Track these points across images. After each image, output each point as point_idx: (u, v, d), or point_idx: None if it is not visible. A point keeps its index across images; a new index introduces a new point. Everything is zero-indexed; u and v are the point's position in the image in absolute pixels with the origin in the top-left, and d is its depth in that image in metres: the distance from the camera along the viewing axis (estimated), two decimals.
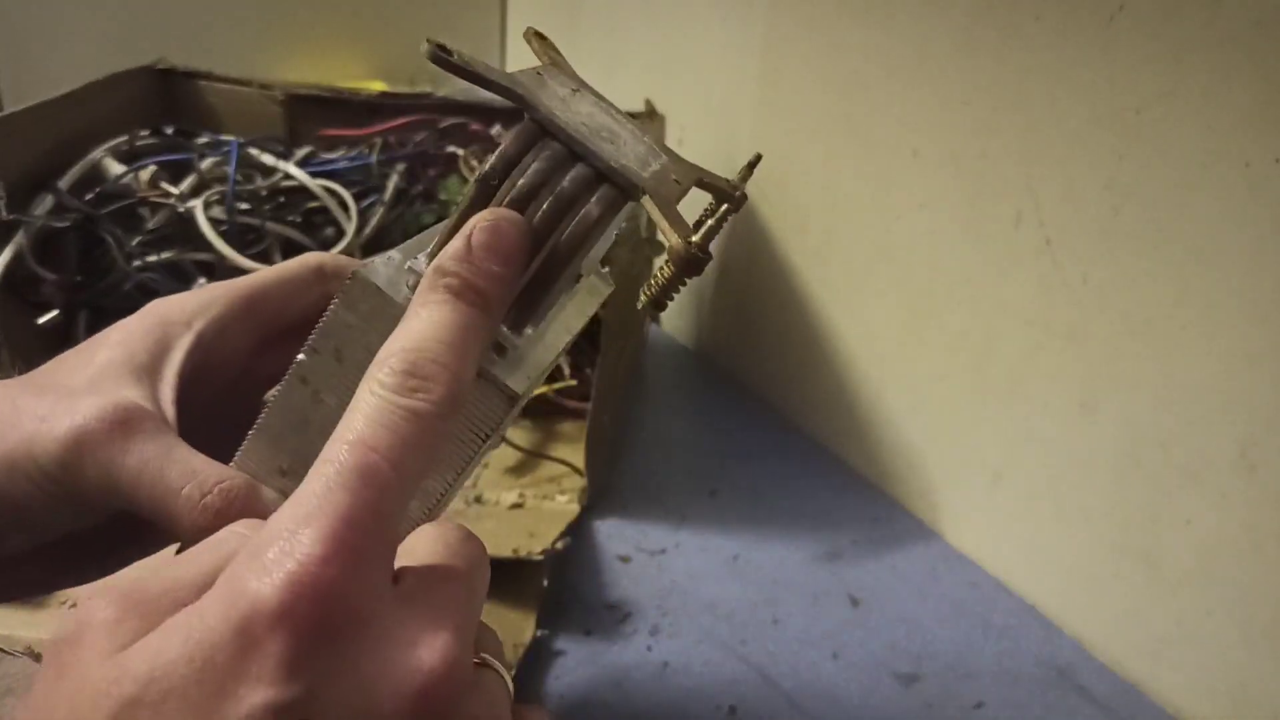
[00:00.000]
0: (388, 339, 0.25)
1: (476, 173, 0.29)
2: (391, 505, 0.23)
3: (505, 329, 0.29)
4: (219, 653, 0.20)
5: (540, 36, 0.33)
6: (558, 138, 0.29)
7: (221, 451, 0.31)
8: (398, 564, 0.25)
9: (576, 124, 0.29)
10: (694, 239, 0.28)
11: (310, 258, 0.36)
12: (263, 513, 0.29)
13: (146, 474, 0.28)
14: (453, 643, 0.23)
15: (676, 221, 0.29)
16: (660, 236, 0.30)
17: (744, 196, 0.34)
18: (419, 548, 0.26)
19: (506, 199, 0.28)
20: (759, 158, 0.35)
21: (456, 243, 0.27)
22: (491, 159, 0.28)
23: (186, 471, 0.29)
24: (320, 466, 0.23)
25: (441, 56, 0.26)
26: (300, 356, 0.29)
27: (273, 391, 0.31)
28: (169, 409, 0.31)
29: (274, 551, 0.21)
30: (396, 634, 0.22)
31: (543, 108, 0.28)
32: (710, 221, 0.29)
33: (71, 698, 0.21)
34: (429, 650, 0.22)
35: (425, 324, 0.25)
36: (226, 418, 0.34)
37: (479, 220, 0.27)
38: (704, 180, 0.34)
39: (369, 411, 0.23)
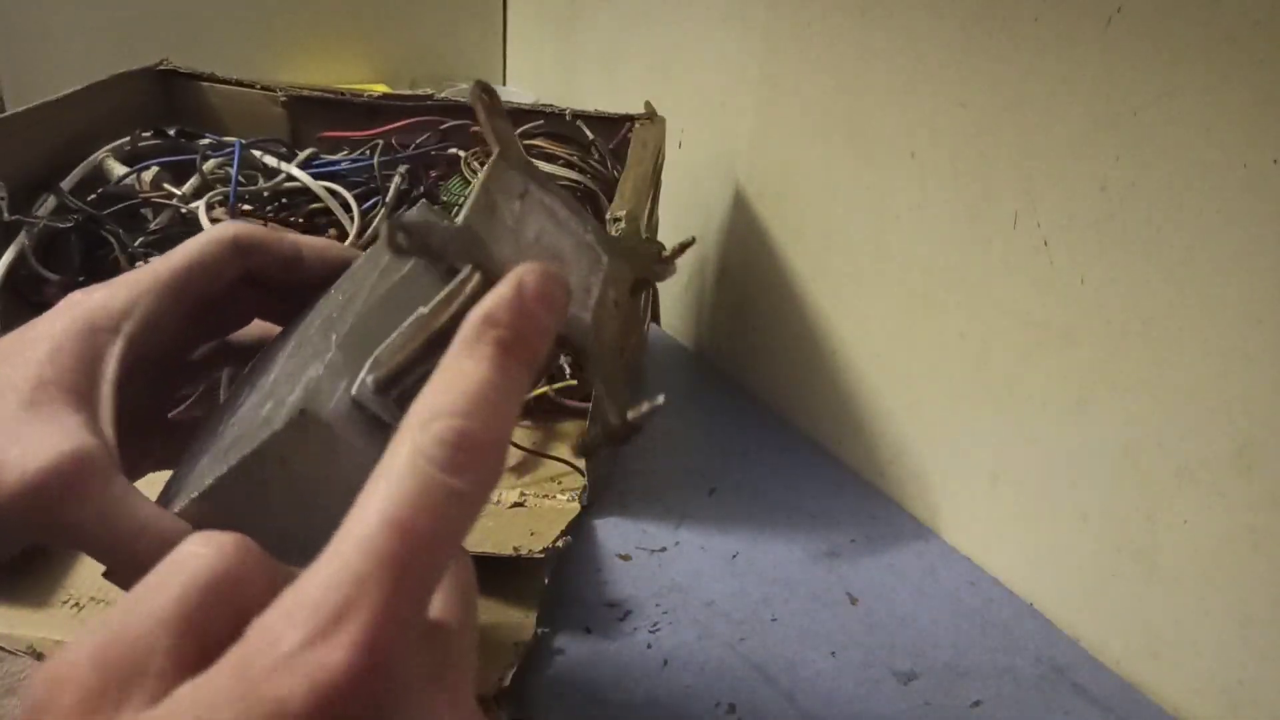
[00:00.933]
0: (429, 387, 0.23)
1: (427, 320, 0.28)
2: (428, 592, 0.21)
3: None
4: None
5: (485, 92, 0.32)
6: None
7: (150, 429, 0.34)
8: None
9: None
10: (629, 418, 0.31)
11: (225, 231, 0.36)
12: None
13: (101, 529, 0.29)
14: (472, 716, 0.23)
15: (616, 396, 0.31)
16: (600, 403, 0.32)
17: (674, 271, 0.36)
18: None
19: None
20: (693, 240, 0.38)
21: (505, 290, 0.24)
22: (445, 316, 0.28)
23: (137, 524, 0.29)
24: (350, 543, 0.20)
25: (400, 245, 0.26)
26: (243, 454, 0.29)
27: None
28: (109, 433, 0.31)
29: (299, 645, 0.19)
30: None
31: (495, 264, 0.28)
32: (645, 407, 0.30)
33: None
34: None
35: (474, 384, 0.22)
36: (154, 396, 0.36)
37: (528, 269, 0.24)
38: (640, 275, 0.36)
39: (410, 487, 0.21)
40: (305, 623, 0.19)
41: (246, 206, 0.67)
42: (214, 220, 0.65)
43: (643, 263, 0.36)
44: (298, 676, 0.19)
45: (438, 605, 0.24)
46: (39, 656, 0.46)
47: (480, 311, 0.24)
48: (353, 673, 0.19)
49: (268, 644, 0.19)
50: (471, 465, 0.21)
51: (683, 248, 0.37)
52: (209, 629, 0.21)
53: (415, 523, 0.20)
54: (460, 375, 0.23)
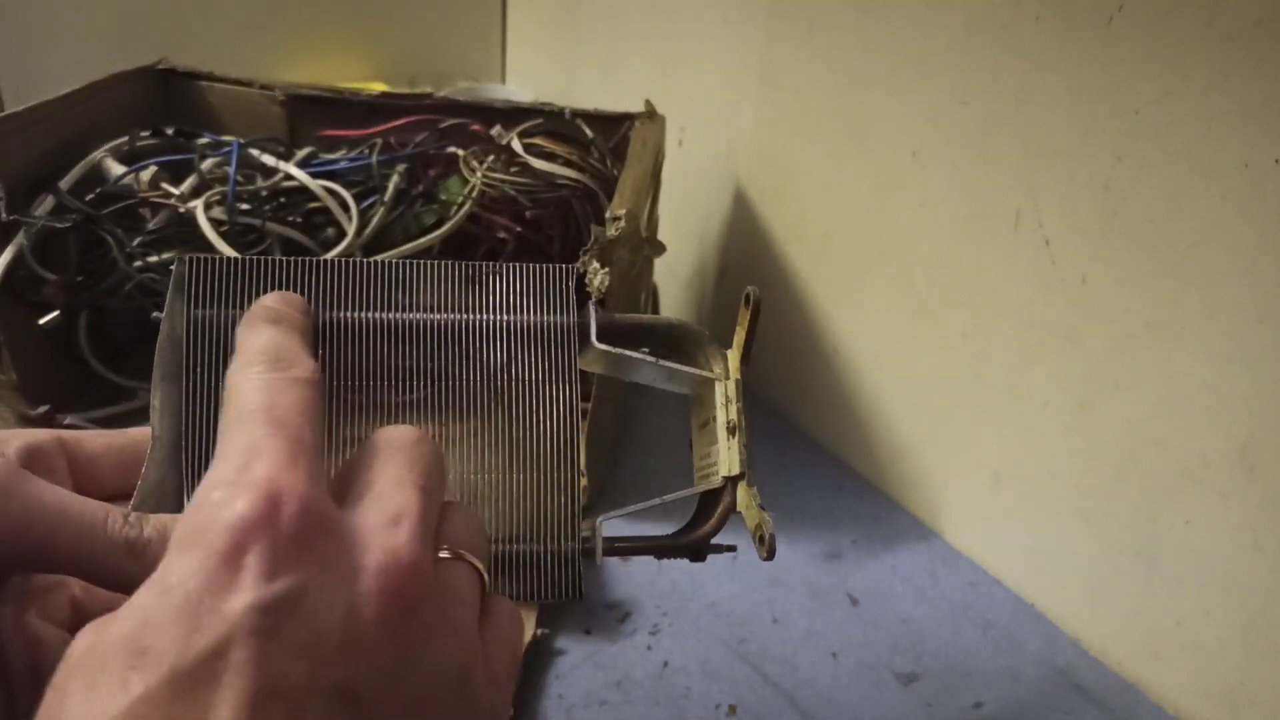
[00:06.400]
0: (234, 356, 0.28)
1: None
2: (313, 447, 0.25)
3: None
4: (194, 577, 0.22)
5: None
6: None
7: None
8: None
9: None
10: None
11: (33, 434, 0.30)
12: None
13: (54, 523, 0.26)
14: (407, 534, 0.25)
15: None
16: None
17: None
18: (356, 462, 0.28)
19: None
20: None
21: (265, 298, 0.30)
22: None
23: (82, 507, 0.26)
24: (235, 429, 0.25)
25: None
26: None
27: None
28: None
29: (229, 484, 0.23)
30: (357, 530, 0.24)
31: None
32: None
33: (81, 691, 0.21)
34: (389, 538, 0.24)
35: (263, 338, 0.28)
36: None
37: (267, 296, 0.31)
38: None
39: (260, 385, 0.26)
40: (228, 473, 0.23)
41: (245, 206, 0.67)
42: (212, 220, 0.64)
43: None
44: (240, 498, 0.23)
45: (375, 458, 0.27)
46: None
47: (251, 310, 0.30)
48: (283, 474, 0.23)
49: (200, 500, 0.23)
50: (291, 366, 0.27)
51: None
52: None
53: (275, 403, 0.26)
54: (250, 340, 0.28)
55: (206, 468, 0.28)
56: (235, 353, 0.28)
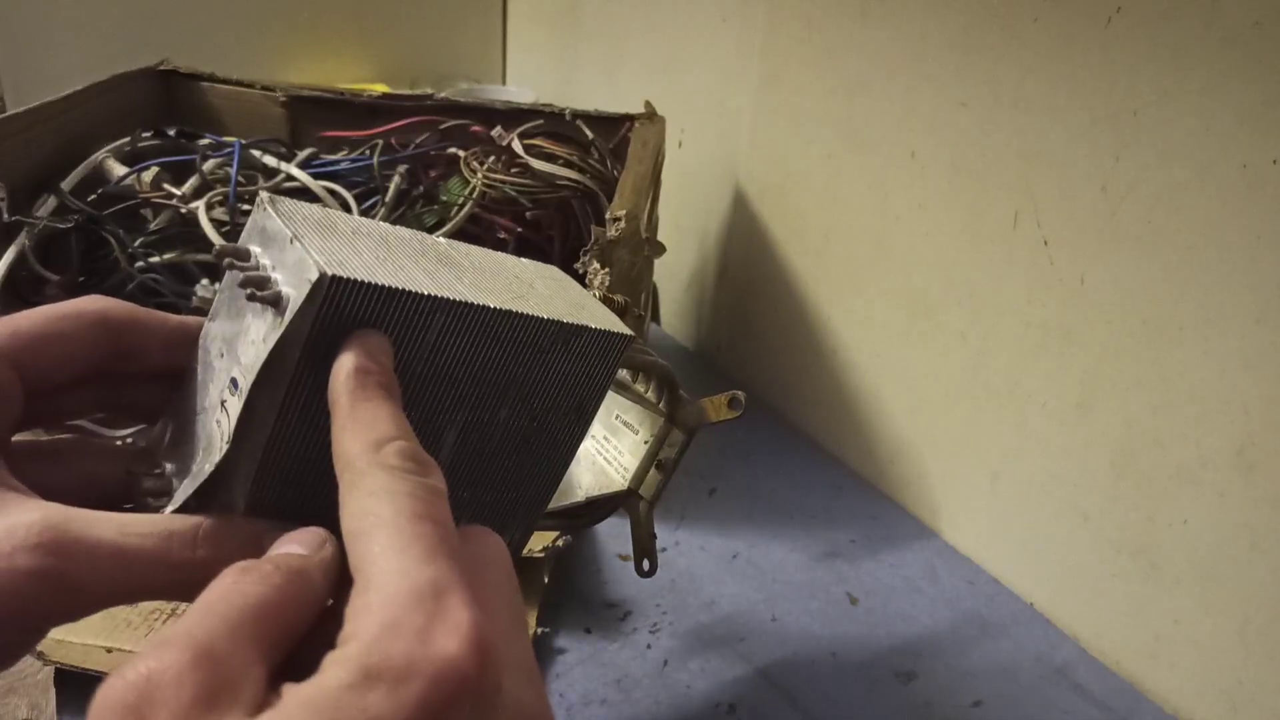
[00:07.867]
0: (348, 433, 0.25)
1: None
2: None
3: None
4: None
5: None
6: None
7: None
8: None
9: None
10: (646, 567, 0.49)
11: (90, 306, 0.31)
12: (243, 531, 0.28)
13: (117, 564, 0.26)
14: (546, 700, 0.25)
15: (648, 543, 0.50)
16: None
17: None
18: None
19: None
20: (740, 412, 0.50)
21: (358, 353, 0.27)
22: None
23: (143, 538, 0.26)
24: (406, 543, 0.22)
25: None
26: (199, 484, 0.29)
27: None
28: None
29: (429, 616, 0.21)
30: (508, 689, 0.23)
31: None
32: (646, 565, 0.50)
33: None
34: (532, 705, 0.24)
35: (388, 418, 0.26)
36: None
37: (356, 337, 0.28)
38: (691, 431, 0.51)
39: (414, 490, 0.24)
40: (420, 603, 0.21)
41: (246, 207, 0.67)
42: (213, 220, 0.64)
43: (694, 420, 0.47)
44: (447, 642, 0.21)
45: (497, 581, 0.26)
46: (40, 655, 0.46)
47: (356, 365, 0.27)
48: (482, 625, 0.21)
49: (390, 629, 0.21)
50: (428, 471, 0.25)
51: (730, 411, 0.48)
52: (280, 644, 0.23)
53: (432, 513, 0.23)
54: (370, 413, 0.26)
55: (287, 484, 0.28)
56: (352, 418, 0.26)
